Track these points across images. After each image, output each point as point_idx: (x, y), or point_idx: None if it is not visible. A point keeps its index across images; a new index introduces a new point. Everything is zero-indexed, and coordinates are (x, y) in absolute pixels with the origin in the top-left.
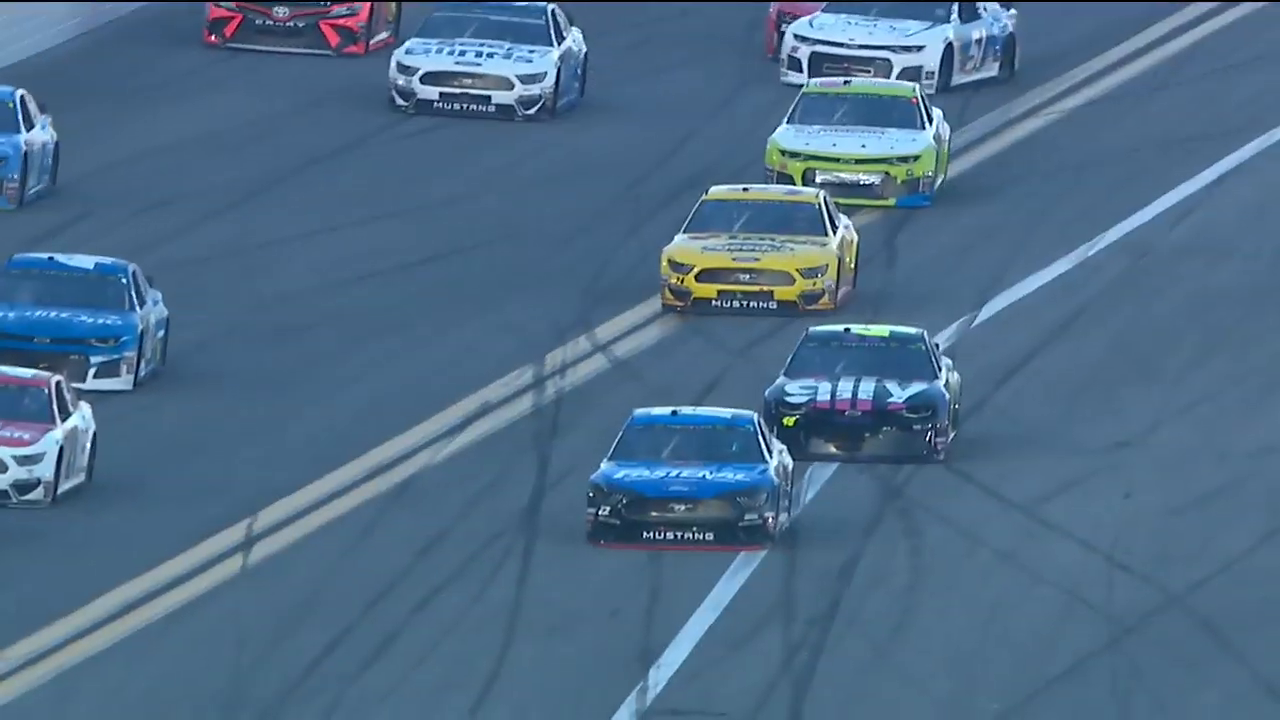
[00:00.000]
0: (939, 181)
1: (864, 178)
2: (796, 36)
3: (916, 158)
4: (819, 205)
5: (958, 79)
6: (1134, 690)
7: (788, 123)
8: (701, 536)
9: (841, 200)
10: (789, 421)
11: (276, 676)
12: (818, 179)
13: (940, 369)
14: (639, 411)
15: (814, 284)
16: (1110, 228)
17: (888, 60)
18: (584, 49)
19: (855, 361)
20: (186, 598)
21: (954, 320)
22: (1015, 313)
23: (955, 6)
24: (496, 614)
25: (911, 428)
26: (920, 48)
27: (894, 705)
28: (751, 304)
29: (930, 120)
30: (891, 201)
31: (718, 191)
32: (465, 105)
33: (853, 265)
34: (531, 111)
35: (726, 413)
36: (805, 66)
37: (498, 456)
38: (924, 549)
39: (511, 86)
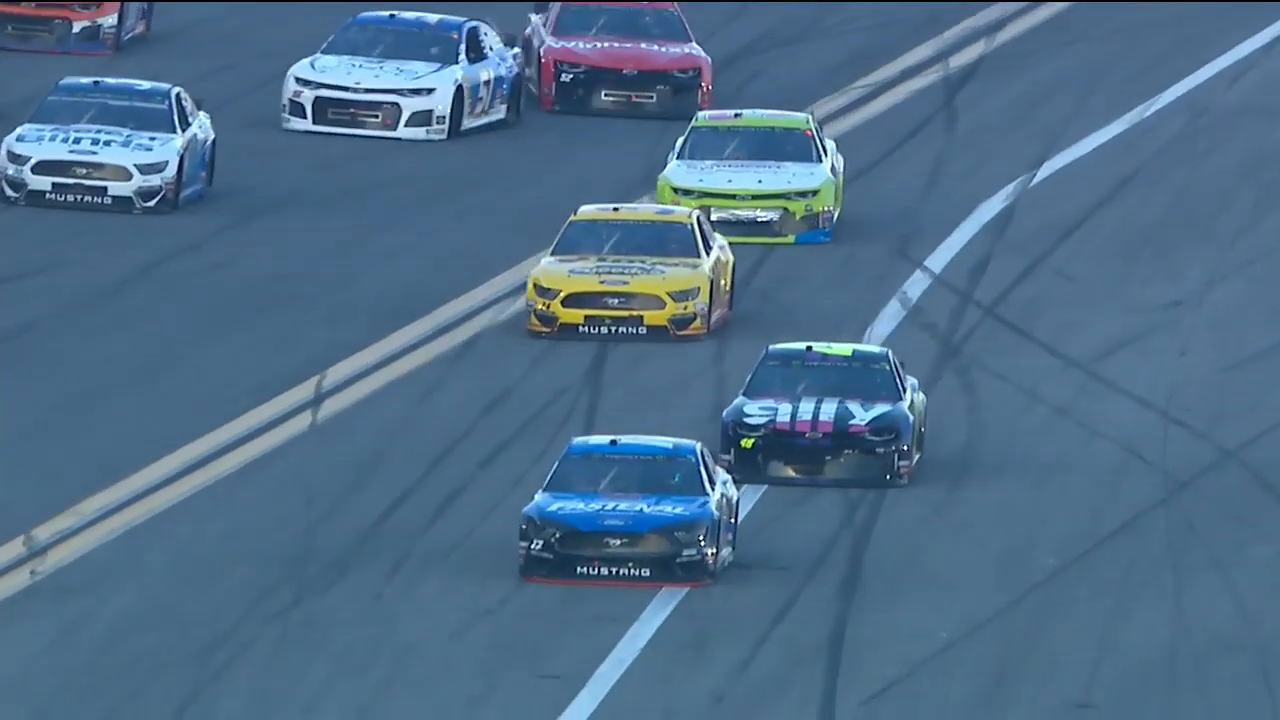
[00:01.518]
0: (836, 215)
1: (761, 214)
2: (298, 80)
3: (815, 192)
4: (692, 226)
5: (467, 123)
6: (1189, 545)
7: (678, 158)
8: (637, 573)
9: (737, 239)
10: (747, 443)
11: (343, 532)
12: (713, 217)
13: (905, 389)
14: (577, 440)
15: (685, 308)
16: (1167, 88)
17: (396, 105)
18: (211, 135)
19: (817, 381)
20: (255, 454)
21: (1013, 180)
22: (1073, 172)
23: (463, 47)
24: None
25: (874, 451)
26: (430, 90)
27: (952, 560)
28: (620, 329)
29: (825, 153)
30: (791, 239)
31: (586, 211)
32: (80, 197)
33: (728, 287)
34: (151, 203)
35: (668, 442)
36: (309, 112)
37: None
38: (981, 406)
39: (129, 177)
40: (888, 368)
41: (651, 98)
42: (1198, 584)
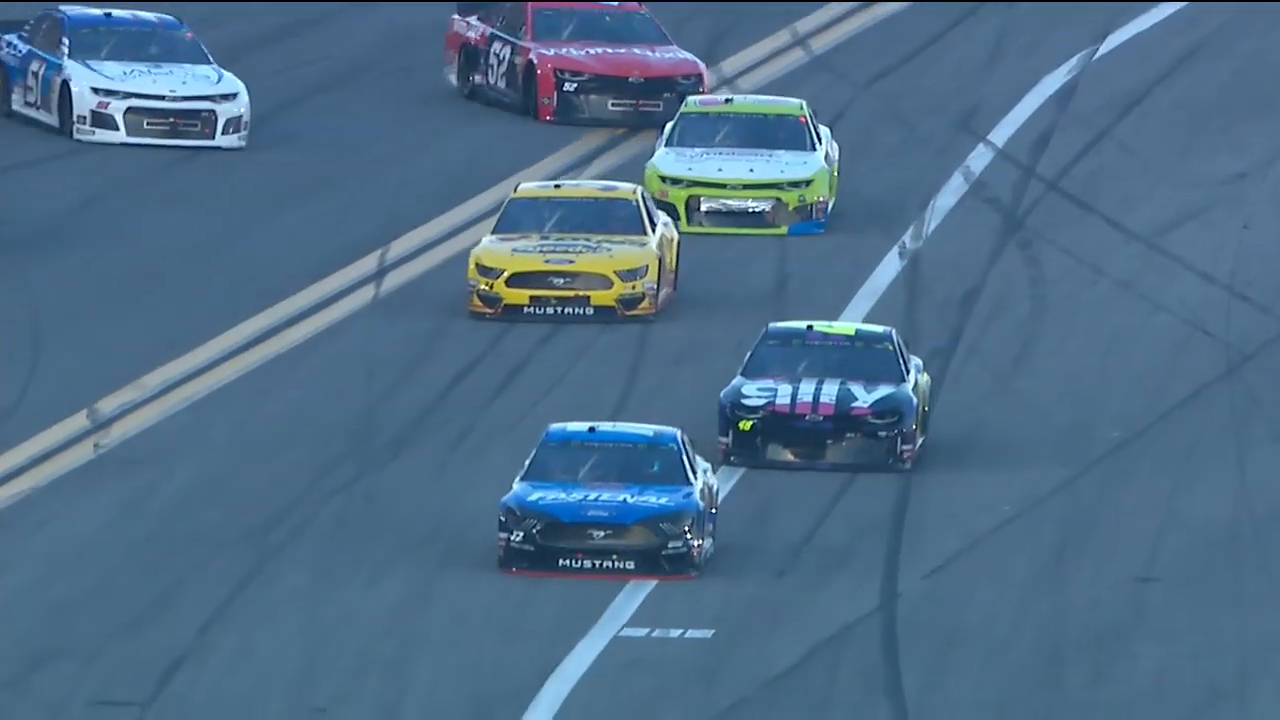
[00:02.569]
0: (830, 206)
1: (753, 204)
2: (98, 90)
3: (808, 182)
4: (637, 202)
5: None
6: (1251, 417)
7: (666, 146)
8: (622, 565)
9: (727, 230)
10: (745, 425)
11: (405, 407)
12: (703, 207)
13: (908, 370)
14: (554, 427)
15: (633, 287)
16: None
17: (213, 112)
18: None
19: (818, 362)
20: (317, 328)
21: (1076, 54)
22: (1137, 45)
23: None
24: (624, 346)
25: (877, 434)
26: (234, 95)
27: (1015, 433)
28: (566, 310)
29: (819, 140)
30: (784, 230)
31: (527, 189)
32: None
33: (674, 265)
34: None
35: (648, 430)
36: (121, 123)
37: None
38: (1045, 279)
39: None
40: (890, 348)
41: (659, 106)
42: (1260, 456)
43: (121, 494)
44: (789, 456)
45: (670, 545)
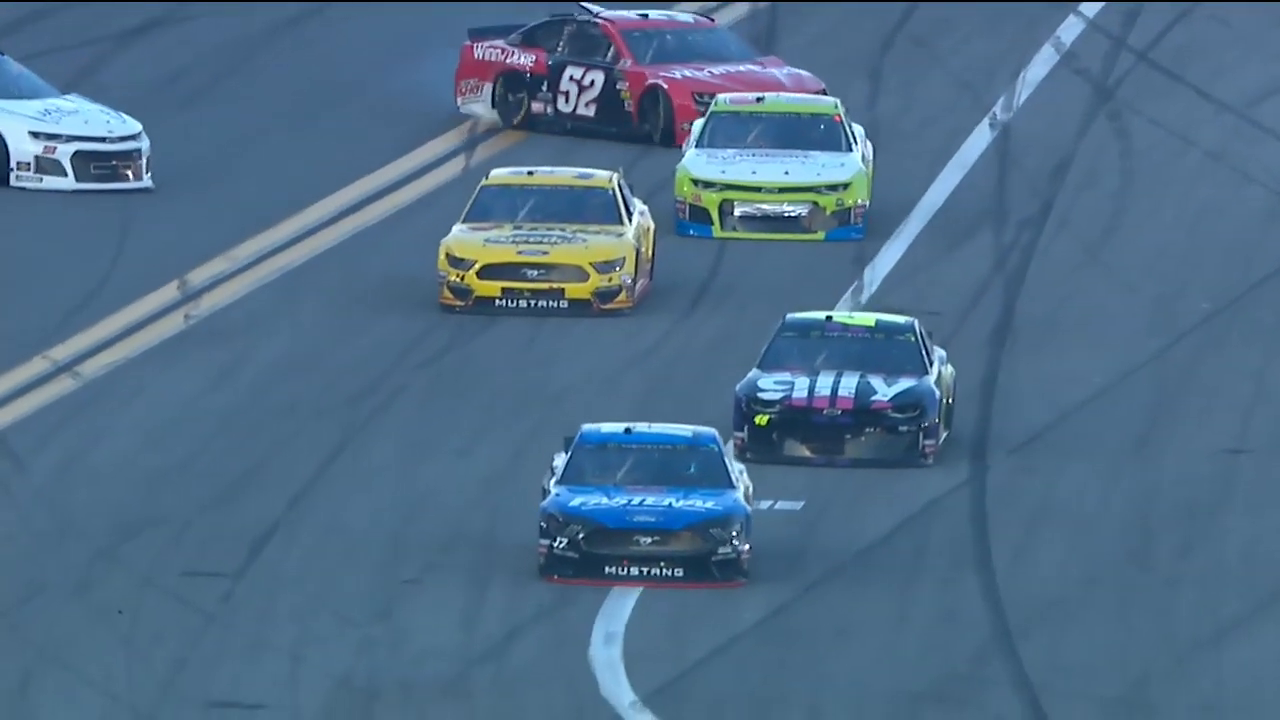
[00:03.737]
0: (867, 209)
1: (789, 209)
2: (39, 134)
3: (846, 185)
4: (613, 190)
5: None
6: None
7: (696, 146)
8: (670, 573)
9: (761, 235)
10: (761, 420)
11: None
12: (736, 211)
13: (931, 362)
14: (587, 428)
15: (610, 279)
16: None
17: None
18: None
19: (837, 353)
20: (406, 201)
21: None
22: None
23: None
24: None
25: (898, 429)
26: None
27: (1104, 305)
28: (541, 303)
29: (855, 141)
30: (820, 235)
31: (499, 175)
32: None
33: (650, 255)
34: None
35: (687, 430)
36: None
37: None
38: (1134, 151)
39: None
40: (913, 339)
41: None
42: None
43: (212, 366)
44: (806, 452)
45: (720, 551)
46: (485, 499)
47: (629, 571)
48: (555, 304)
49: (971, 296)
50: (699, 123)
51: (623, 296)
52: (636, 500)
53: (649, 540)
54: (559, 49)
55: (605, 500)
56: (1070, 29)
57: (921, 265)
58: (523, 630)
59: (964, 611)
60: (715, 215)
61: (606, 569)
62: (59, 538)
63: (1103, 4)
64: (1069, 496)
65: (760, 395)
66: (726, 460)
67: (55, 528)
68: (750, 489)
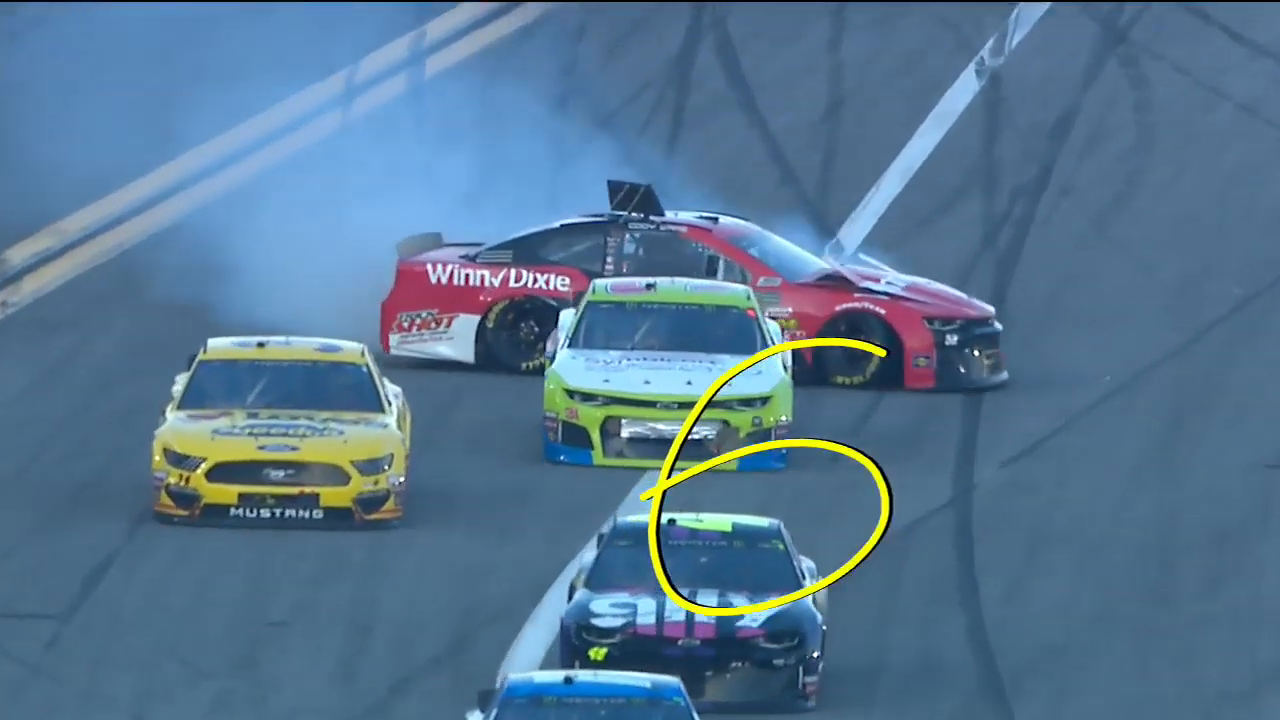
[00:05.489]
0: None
1: (694, 430)
2: None
3: (765, 399)
4: (367, 367)
5: None
6: None
7: (570, 346)
8: None
9: (656, 463)
10: (598, 654)
11: None
12: (624, 432)
13: (803, 575)
14: (515, 678)
15: (375, 482)
16: None
17: None
18: None
19: (686, 566)
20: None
21: None
22: None
23: None
24: None
25: (771, 663)
26: None
27: (1115, 286)
28: (288, 512)
29: (768, 339)
30: (732, 464)
31: (219, 347)
32: None
33: (407, 449)
34: None
35: (644, 679)
36: None
37: None
38: (1153, 103)
39: None
40: (781, 546)
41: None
42: None
43: (37, 363)
44: None
45: None
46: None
47: None
48: (307, 513)
49: (956, 277)
50: (567, 316)
51: (390, 504)
52: None
53: None
54: (607, 266)
55: None
56: None
57: (896, 239)
58: (412, 681)
59: (946, 659)
60: (596, 437)
61: None
62: None
63: None
64: (1072, 520)
65: (595, 623)
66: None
67: None
68: None
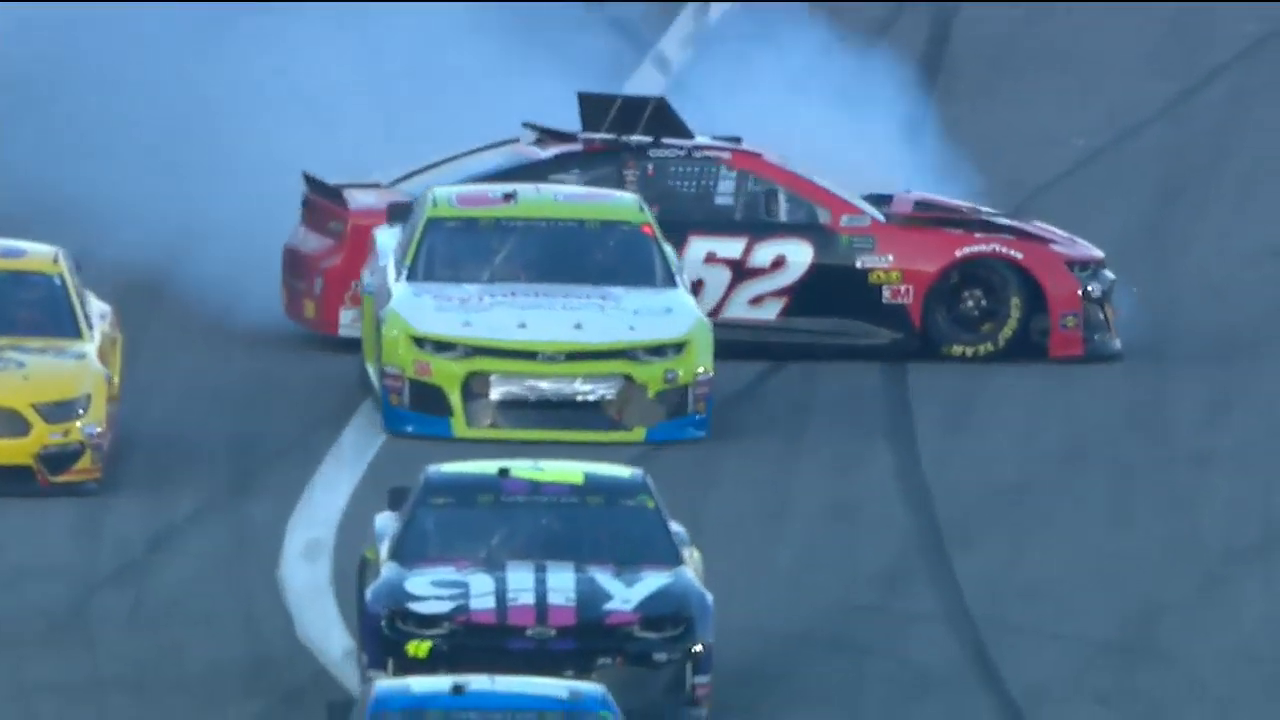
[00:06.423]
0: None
1: (584, 387)
2: None
3: (680, 345)
4: (61, 278)
5: None
6: None
7: (408, 279)
8: None
9: (535, 434)
10: (419, 649)
11: None
12: (494, 393)
13: (678, 544)
14: (384, 686)
15: (66, 432)
16: None
17: None
18: None
19: (525, 532)
20: None
21: None
22: None
23: None
24: None
25: (650, 658)
26: None
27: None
28: None
29: (673, 270)
30: (639, 434)
31: None
32: None
33: (119, 381)
34: None
35: (559, 687)
36: None
37: None
38: None
39: None
40: (650, 503)
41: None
42: None
43: None
44: None
45: None
46: None
47: None
48: None
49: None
50: (383, 234)
51: (86, 461)
52: None
53: None
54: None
55: None
56: None
57: None
58: (176, 537)
59: (868, 507)
60: (457, 400)
61: None
62: None
63: None
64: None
65: (414, 608)
66: None
67: None
68: None
